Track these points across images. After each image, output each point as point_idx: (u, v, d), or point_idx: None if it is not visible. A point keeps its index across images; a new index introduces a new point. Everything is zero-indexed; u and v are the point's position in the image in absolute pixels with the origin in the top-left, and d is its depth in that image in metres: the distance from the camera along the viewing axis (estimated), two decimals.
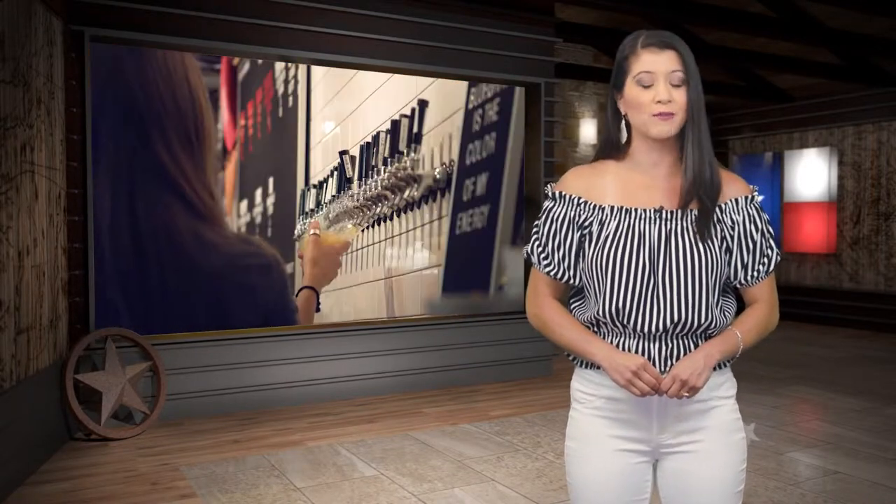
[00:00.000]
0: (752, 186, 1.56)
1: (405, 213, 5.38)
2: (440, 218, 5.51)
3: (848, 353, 7.01)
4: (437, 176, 5.48)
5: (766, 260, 1.52)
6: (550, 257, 1.56)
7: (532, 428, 4.40)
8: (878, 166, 8.24)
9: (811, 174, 8.79)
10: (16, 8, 3.40)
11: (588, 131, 8.80)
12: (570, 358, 1.59)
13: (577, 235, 1.54)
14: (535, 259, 1.58)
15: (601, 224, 1.51)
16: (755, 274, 1.52)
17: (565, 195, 1.55)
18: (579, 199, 1.54)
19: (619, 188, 1.53)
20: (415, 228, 5.42)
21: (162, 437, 4.20)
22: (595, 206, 1.52)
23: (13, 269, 3.35)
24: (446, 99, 5.52)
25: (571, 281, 1.57)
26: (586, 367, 1.55)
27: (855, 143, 8.46)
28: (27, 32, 3.55)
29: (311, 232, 5.03)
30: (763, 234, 1.52)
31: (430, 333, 5.43)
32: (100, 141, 4.36)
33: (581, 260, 1.54)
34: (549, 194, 1.59)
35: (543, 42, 5.81)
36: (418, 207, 5.42)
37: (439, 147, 5.49)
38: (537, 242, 1.57)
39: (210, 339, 4.66)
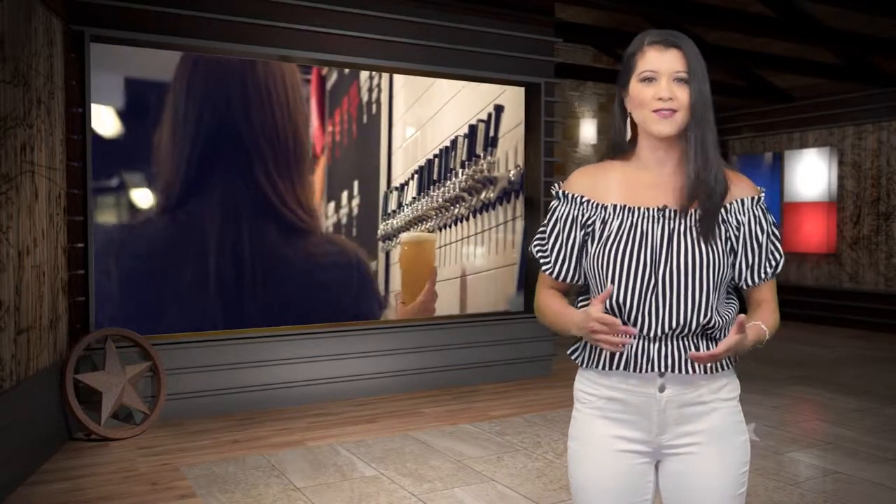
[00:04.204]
0: (759, 188, 1.55)
1: (481, 213, 5.61)
2: (514, 218, 5.73)
3: (848, 353, 7.01)
4: (512, 178, 5.68)
5: (772, 261, 1.52)
6: (549, 257, 1.57)
7: (532, 428, 4.40)
8: (878, 166, 8.24)
9: (811, 174, 8.78)
10: (16, 8, 3.40)
11: (588, 131, 8.79)
12: (573, 357, 1.59)
13: (580, 235, 1.54)
14: (536, 257, 1.60)
15: (604, 223, 1.51)
16: (762, 275, 1.52)
17: (569, 194, 1.56)
18: (582, 197, 1.54)
19: (624, 187, 1.53)
20: (490, 228, 5.65)
21: (162, 437, 4.20)
22: (598, 204, 1.53)
23: (13, 269, 3.35)
24: (521, 104, 5.75)
25: (570, 280, 1.57)
26: (588, 366, 1.55)
27: (855, 143, 8.46)
28: (27, 32, 3.55)
29: (399, 301, 5.31)
30: (769, 236, 1.52)
31: (430, 333, 5.43)
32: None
33: (584, 259, 1.55)
34: (555, 193, 1.60)
35: (543, 42, 5.81)
36: (493, 208, 5.65)
37: (514, 150, 5.72)
38: (540, 241, 1.59)
39: (210, 339, 4.66)
